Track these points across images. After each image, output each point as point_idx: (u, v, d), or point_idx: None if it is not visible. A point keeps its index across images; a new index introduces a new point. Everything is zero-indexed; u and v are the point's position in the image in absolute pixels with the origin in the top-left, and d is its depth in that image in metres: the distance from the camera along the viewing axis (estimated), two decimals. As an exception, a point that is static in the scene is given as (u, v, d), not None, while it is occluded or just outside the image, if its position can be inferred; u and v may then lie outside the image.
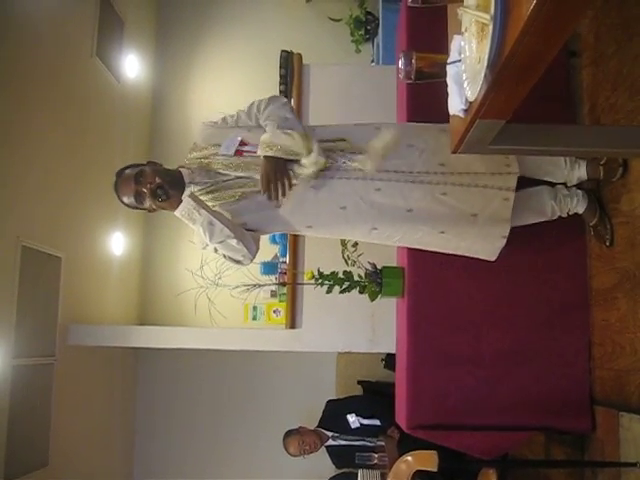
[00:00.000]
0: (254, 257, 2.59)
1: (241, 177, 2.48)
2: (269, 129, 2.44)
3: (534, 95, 1.57)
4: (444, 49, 1.98)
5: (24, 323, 3.99)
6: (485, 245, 2.59)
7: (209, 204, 2.50)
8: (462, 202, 2.46)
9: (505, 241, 2.54)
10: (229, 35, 6.54)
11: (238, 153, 2.48)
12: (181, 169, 2.55)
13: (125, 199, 2.50)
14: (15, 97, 3.94)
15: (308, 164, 2.40)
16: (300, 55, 4.31)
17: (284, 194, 2.40)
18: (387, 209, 2.46)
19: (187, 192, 2.50)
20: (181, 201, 2.42)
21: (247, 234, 2.52)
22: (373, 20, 6.31)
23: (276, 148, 2.38)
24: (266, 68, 5.26)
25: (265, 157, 2.39)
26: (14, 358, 3.88)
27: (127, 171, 2.50)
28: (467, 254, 2.67)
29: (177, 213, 2.43)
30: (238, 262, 2.58)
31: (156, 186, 2.41)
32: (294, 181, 2.44)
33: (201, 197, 2.51)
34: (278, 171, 2.38)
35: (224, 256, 2.57)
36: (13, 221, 3.96)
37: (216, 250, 2.55)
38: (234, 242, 2.47)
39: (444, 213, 2.47)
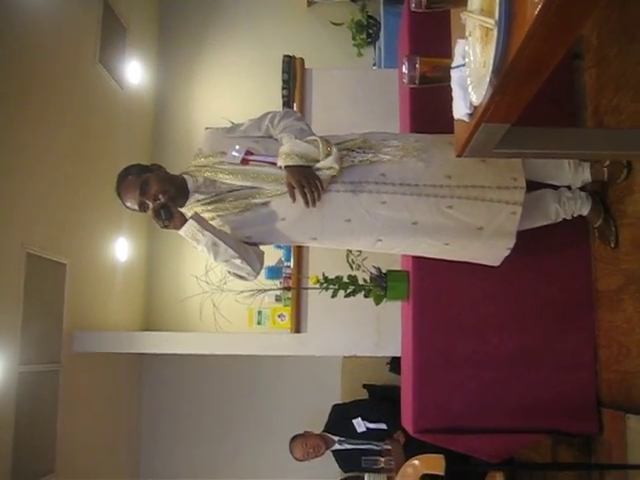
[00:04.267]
0: (258, 274, 2.61)
1: (246, 187, 2.45)
2: (286, 140, 2.41)
3: (537, 97, 1.57)
4: (447, 53, 1.99)
5: (29, 330, 4.00)
6: (489, 254, 2.60)
7: (212, 214, 2.50)
8: (468, 215, 2.45)
9: (509, 252, 2.54)
10: (231, 41, 6.55)
11: (244, 162, 2.44)
12: (185, 175, 2.53)
13: (128, 204, 2.49)
14: (18, 104, 3.96)
15: (323, 167, 2.37)
16: (302, 60, 4.31)
17: (320, 197, 2.37)
18: (392, 222, 2.45)
19: (191, 200, 2.51)
20: (185, 219, 2.40)
21: (251, 252, 2.53)
22: (375, 24, 6.32)
23: (297, 157, 2.35)
24: (268, 73, 5.28)
25: (288, 167, 2.36)
26: (20, 365, 3.89)
27: (130, 178, 2.46)
28: (471, 261, 2.68)
29: (181, 233, 2.42)
30: (242, 278, 2.61)
31: (159, 206, 2.37)
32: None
33: (204, 206, 2.50)
34: (309, 176, 2.34)
35: (228, 272, 2.60)
36: (18, 228, 3.97)
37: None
38: (238, 262, 2.49)
39: (449, 226, 2.46)
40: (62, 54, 4.57)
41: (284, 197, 2.42)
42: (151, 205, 2.41)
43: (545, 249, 2.92)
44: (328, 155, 2.36)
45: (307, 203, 2.37)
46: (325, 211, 2.44)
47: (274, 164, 2.42)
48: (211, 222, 2.49)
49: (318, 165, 2.37)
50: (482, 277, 2.88)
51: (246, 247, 2.52)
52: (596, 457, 2.88)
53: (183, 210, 2.52)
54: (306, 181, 2.34)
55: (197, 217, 2.43)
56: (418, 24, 3.09)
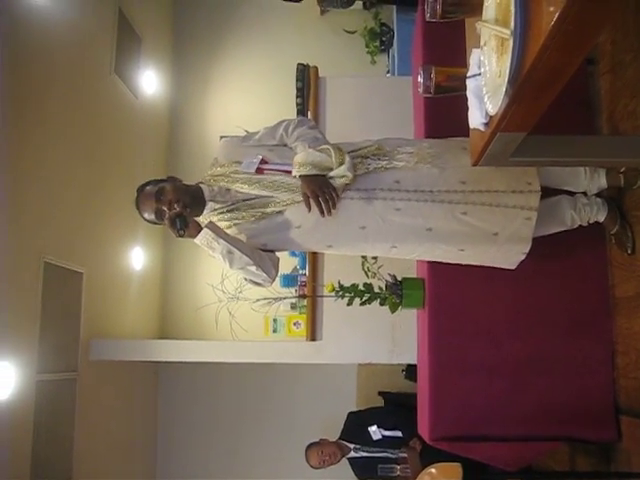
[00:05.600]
0: (274, 281, 2.64)
1: (261, 196, 2.47)
2: (300, 149, 2.43)
3: (551, 103, 1.57)
4: (462, 62, 1.99)
5: (47, 339, 4.03)
6: (505, 259, 2.60)
7: (228, 223, 2.52)
8: (483, 221, 2.45)
9: (525, 256, 2.54)
10: (245, 49, 6.58)
11: (259, 171, 2.47)
12: (201, 185, 2.56)
13: (146, 215, 2.52)
14: (35, 115, 3.99)
15: (336, 176, 2.38)
16: (316, 68, 4.33)
17: (334, 206, 2.38)
18: (407, 228, 2.46)
19: (207, 210, 2.53)
20: (200, 228, 2.43)
21: (266, 259, 2.55)
22: (388, 31, 6.33)
23: (311, 166, 2.36)
24: (283, 81, 5.30)
25: (302, 176, 2.37)
26: (37, 374, 3.92)
27: (147, 188, 2.50)
28: (487, 265, 2.68)
29: (196, 241, 2.45)
30: (258, 284, 2.64)
31: (175, 215, 2.40)
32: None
33: (220, 215, 2.52)
34: (323, 186, 2.36)
35: (244, 278, 2.63)
36: (35, 238, 4.00)
37: None
38: (253, 269, 2.51)
39: (464, 232, 2.46)
40: (78, 64, 4.60)
41: (299, 205, 2.43)
42: (167, 213, 2.44)
43: (561, 256, 2.90)
44: (341, 164, 2.37)
45: (322, 213, 2.38)
46: (340, 218, 2.44)
47: (289, 172, 2.43)
48: (227, 230, 2.52)
49: (332, 173, 2.38)
50: (498, 284, 2.87)
51: (261, 254, 2.54)
52: (615, 465, 2.85)
53: (199, 219, 2.55)
54: (320, 191, 2.35)
55: (212, 226, 2.45)
56: (433, 33, 3.09)
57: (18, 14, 3.79)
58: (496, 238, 2.48)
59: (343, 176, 2.38)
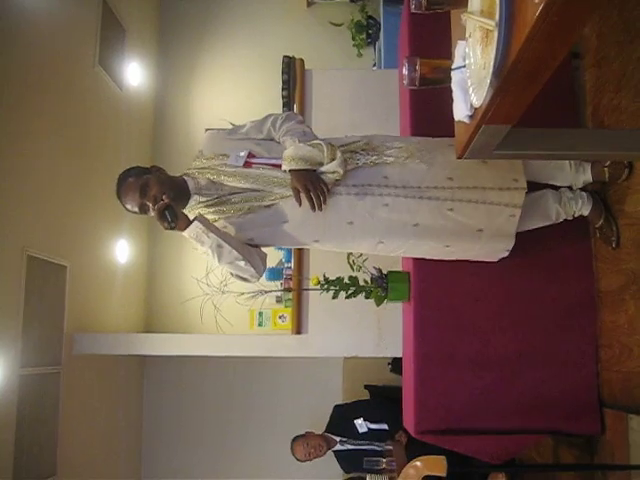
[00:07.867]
0: (261, 276, 2.63)
1: (249, 190, 2.45)
2: (289, 143, 2.40)
3: (536, 97, 1.57)
4: (446, 54, 1.99)
5: (30, 333, 4.00)
6: (487, 255, 2.65)
7: (214, 216, 2.49)
8: (468, 218, 2.47)
9: (508, 253, 2.59)
10: (231, 41, 6.54)
11: (247, 165, 2.44)
12: (185, 177, 2.52)
13: (129, 207, 2.48)
14: (18, 107, 3.95)
15: (327, 171, 2.37)
16: (302, 60, 4.31)
17: (325, 201, 2.38)
18: (394, 224, 2.46)
19: (192, 202, 2.50)
20: (188, 220, 2.38)
21: (255, 254, 2.54)
22: (374, 24, 6.31)
23: (301, 161, 2.35)
24: (268, 74, 5.28)
25: (293, 171, 2.36)
26: (21, 368, 3.89)
27: (130, 179, 2.45)
28: (470, 259, 2.70)
29: (185, 234, 2.41)
30: (245, 280, 2.62)
31: (163, 207, 2.33)
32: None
33: (206, 209, 2.50)
34: (314, 180, 2.35)
35: (231, 274, 2.60)
36: (18, 231, 3.96)
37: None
38: (242, 264, 2.49)
39: (449, 227, 2.48)
40: (61, 56, 4.56)
41: (287, 200, 2.42)
42: (151, 207, 2.40)
43: (546, 250, 2.91)
44: (332, 159, 2.36)
45: (314, 207, 2.37)
46: (328, 213, 2.43)
47: (277, 166, 2.42)
48: (214, 224, 2.49)
49: (322, 169, 2.38)
50: (483, 278, 2.88)
51: (250, 249, 2.53)
52: (598, 458, 2.87)
53: (185, 211, 2.52)
54: (312, 185, 2.34)
55: (202, 219, 2.42)
56: (418, 25, 3.09)
57: None
58: (481, 234, 2.51)
59: (334, 172, 2.37)
